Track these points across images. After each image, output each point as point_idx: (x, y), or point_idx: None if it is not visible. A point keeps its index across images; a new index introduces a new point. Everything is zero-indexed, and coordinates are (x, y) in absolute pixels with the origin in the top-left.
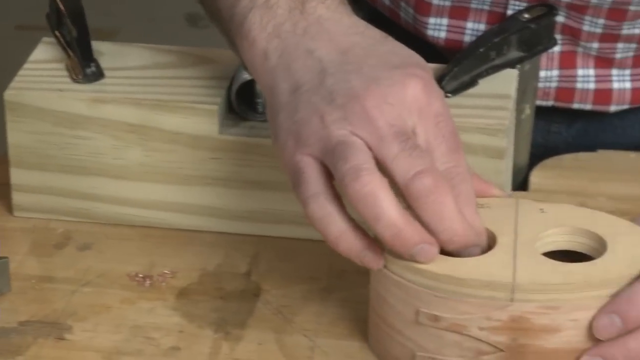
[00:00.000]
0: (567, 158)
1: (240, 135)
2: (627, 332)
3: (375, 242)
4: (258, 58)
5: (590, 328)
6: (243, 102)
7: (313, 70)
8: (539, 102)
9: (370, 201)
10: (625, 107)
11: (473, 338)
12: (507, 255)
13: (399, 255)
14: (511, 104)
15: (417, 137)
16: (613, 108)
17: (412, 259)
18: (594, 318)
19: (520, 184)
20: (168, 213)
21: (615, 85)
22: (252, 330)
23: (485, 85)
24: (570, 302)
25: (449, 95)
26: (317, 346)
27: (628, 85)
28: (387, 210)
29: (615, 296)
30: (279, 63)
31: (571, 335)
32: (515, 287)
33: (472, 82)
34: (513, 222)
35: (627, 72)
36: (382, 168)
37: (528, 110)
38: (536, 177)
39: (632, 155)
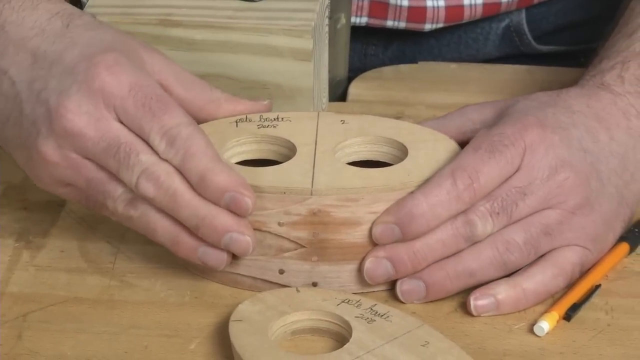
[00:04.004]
0: (388, 70)
1: None
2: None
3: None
4: None
5: None
6: None
7: (9, 98)
8: (353, 20)
9: (143, 226)
10: (440, 25)
11: (273, 235)
12: (306, 163)
13: None
14: (318, 7)
15: (124, 122)
16: (427, 27)
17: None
18: (373, 225)
19: (340, 96)
20: None
21: (429, 3)
22: (54, 238)
23: None
24: (370, 195)
25: (255, 0)
26: (121, 252)
27: (442, 3)
28: (159, 232)
29: (396, 205)
30: None
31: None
32: (313, 192)
33: None
34: (314, 133)
35: None
36: None
37: (344, 20)
38: (355, 88)
39: (452, 65)
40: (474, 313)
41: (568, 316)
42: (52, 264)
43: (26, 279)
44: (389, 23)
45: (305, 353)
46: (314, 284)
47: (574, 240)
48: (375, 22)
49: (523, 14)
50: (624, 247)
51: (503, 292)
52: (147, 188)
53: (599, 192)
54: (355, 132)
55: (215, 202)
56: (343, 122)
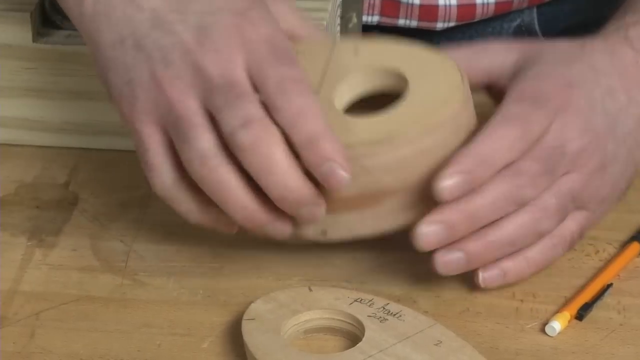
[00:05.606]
0: None
1: (56, 43)
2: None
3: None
4: (72, 2)
5: None
6: (58, 11)
7: (136, 20)
8: (365, 18)
9: (217, 188)
10: (452, 24)
11: None
12: None
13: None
14: (330, 6)
15: (251, 73)
16: (439, 25)
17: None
18: (435, 180)
19: None
20: None
21: (441, 1)
22: (67, 237)
23: None
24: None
25: None
26: (133, 250)
27: (454, 1)
28: (231, 203)
29: (460, 154)
30: (96, 11)
31: None
32: None
33: None
34: (320, 73)
35: None
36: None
37: (355, 19)
38: None
39: None
40: (482, 286)
41: (580, 316)
42: (64, 262)
43: (38, 278)
44: (401, 22)
45: (317, 352)
46: (324, 232)
47: (587, 204)
48: (387, 20)
49: (534, 14)
50: (635, 246)
51: (507, 261)
52: (245, 138)
53: (613, 154)
54: (363, 64)
55: (313, 168)
56: (356, 53)
